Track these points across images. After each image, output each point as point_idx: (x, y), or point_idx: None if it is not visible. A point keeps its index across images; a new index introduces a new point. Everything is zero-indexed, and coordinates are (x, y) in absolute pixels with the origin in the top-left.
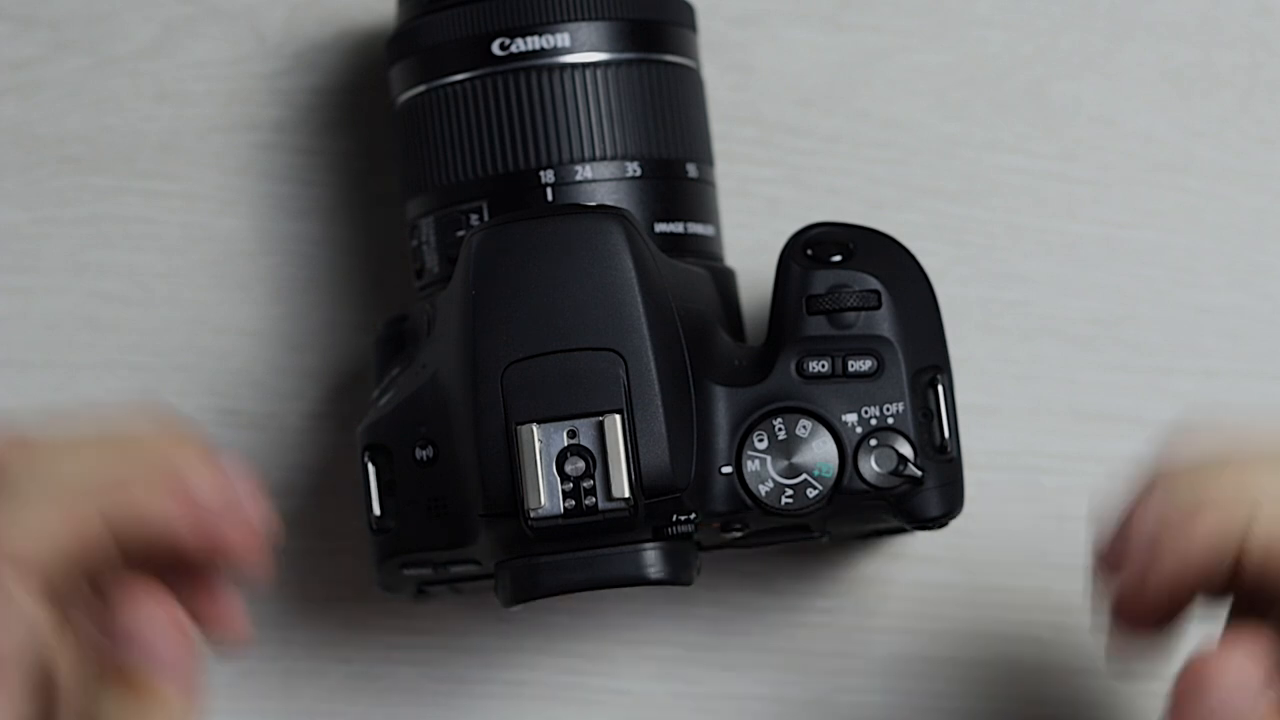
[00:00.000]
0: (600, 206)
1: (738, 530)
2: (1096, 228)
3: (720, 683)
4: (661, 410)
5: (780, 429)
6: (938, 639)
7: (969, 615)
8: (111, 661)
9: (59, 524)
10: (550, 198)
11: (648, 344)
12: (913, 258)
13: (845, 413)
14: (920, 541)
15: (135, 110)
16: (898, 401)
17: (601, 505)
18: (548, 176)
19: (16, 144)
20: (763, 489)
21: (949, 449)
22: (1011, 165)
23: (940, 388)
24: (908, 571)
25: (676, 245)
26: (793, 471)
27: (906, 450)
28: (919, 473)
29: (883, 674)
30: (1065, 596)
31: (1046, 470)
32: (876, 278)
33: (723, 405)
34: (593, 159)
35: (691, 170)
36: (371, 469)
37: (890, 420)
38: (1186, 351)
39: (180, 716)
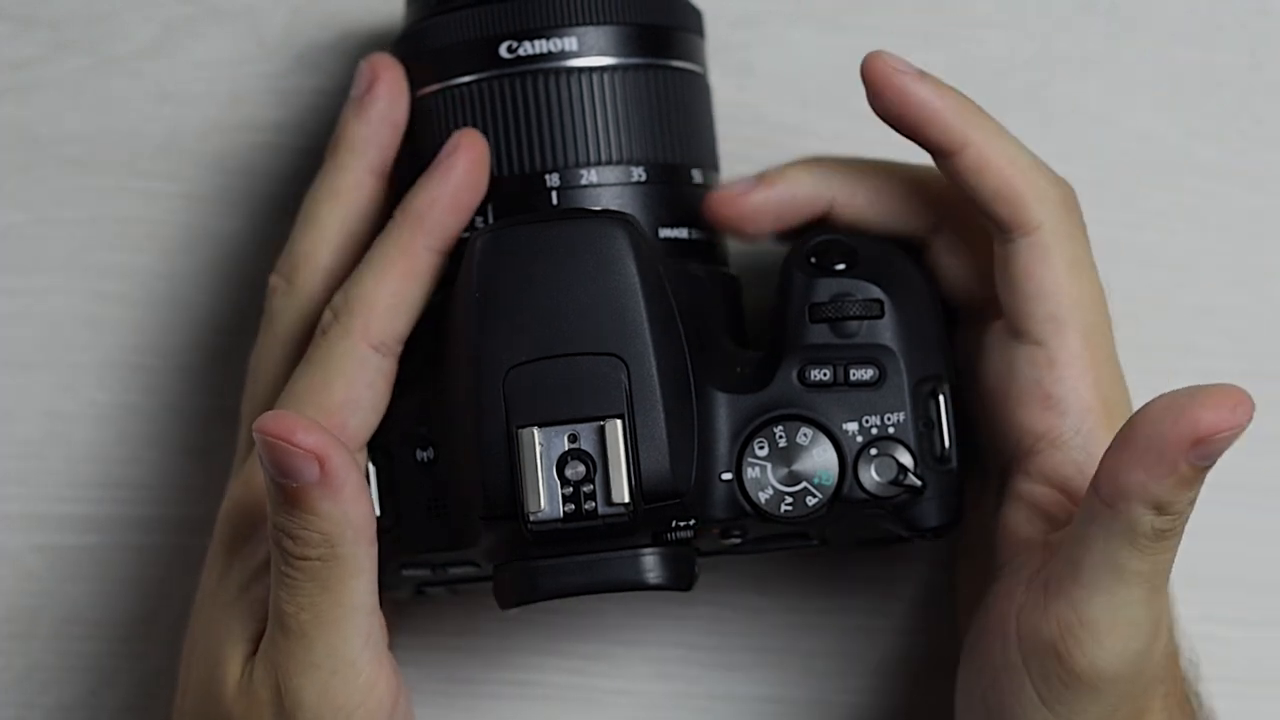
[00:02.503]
0: (605, 211)
1: (737, 537)
2: (1096, 228)
3: (720, 683)
4: (663, 416)
5: (781, 436)
6: (938, 639)
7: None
8: None
9: None
10: (555, 201)
11: (650, 349)
12: (916, 267)
13: (846, 421)
14: (920, 541)
15: (135, 110)
16: (899, 411)
17: (601, 510)
18: (553, 180)
19: (16, 144)
20: (762, 496)
21: (949, 459)
22: None
23: (941, 398)
24: (908, 571)
25: (680, 251)
26: (793, 479)
27: (907, 460)
28: (919, 482)
29: (883, 674)
30: None
31: None
32: (880, 287)
33: (724, 412)
34: (598, 163)
35: (697, 176)
36: (371, 469)
37: (891, 429)
38: (1186, 351)
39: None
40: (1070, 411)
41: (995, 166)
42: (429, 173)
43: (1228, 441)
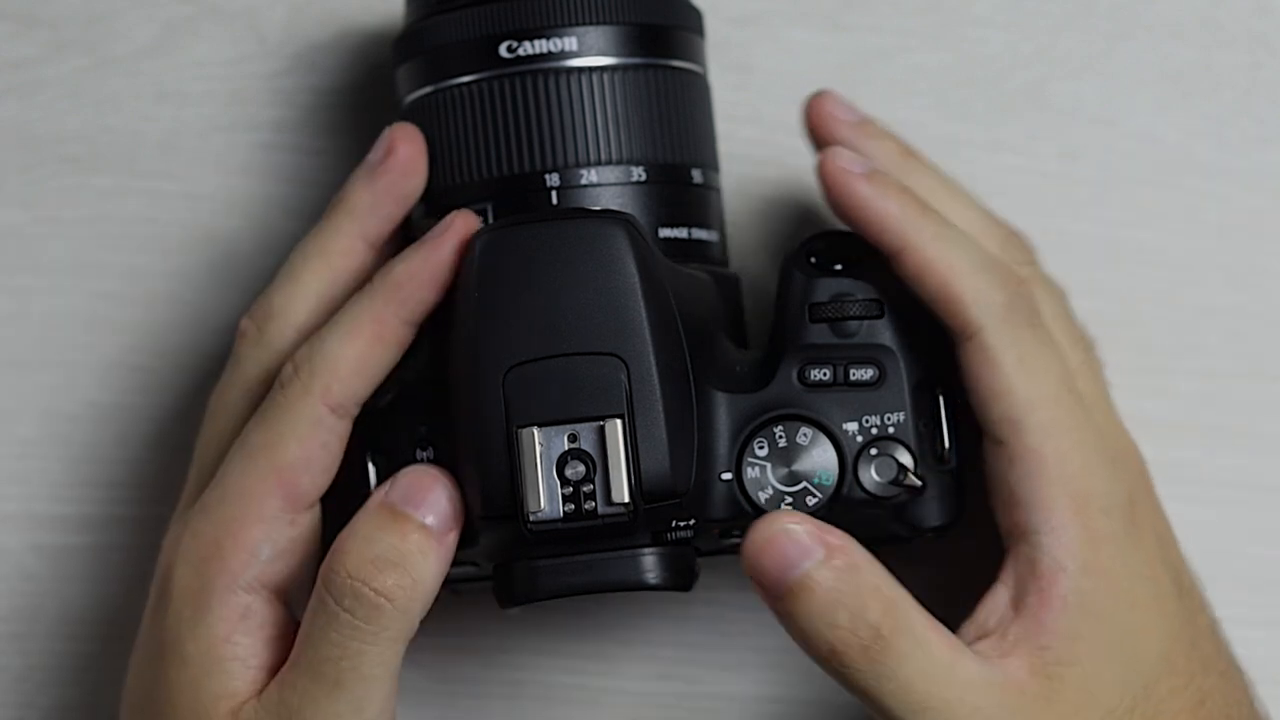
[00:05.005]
0: (605, 211)
1: (737, 536)
2: (1096, 228)
3: (720, 683)
4: (663, 416)
5: (781, 436)
6: None
7: (968, 615)
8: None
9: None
10: (555, 201)
11: (650, 349)
12: None
13: (846, 421)
14: (920, 541)
15: (135, 110)
16: (899, 411)
17: (601, 510)
18: (553, 180)
19: (16, 144)
20: (762, 496)
21: (949, 459)
22: (1011, 165)
23: (942, 398)
24: (908, 572)
25: (680, 250)
26: (792, 479)
27: (907, 460)
28: (919, 482)
29: None
30: None
31: None
32: (879, 287)
33: (724, 411)
34: (598, 163)
35: (697, 175)
36: (371, 469)
37: (891, 429)
38: (1186, 351)
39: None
40: (1035, 508)
41: (932, 271)
42: (417, 245)
43: None
